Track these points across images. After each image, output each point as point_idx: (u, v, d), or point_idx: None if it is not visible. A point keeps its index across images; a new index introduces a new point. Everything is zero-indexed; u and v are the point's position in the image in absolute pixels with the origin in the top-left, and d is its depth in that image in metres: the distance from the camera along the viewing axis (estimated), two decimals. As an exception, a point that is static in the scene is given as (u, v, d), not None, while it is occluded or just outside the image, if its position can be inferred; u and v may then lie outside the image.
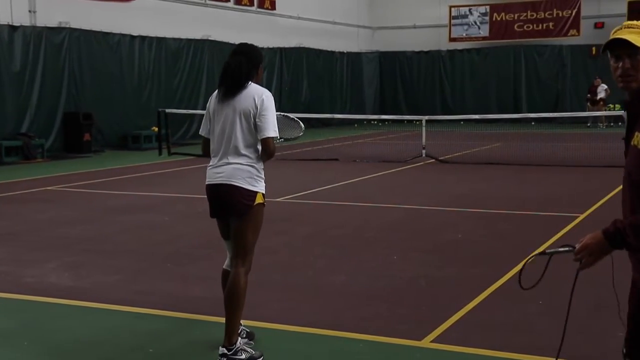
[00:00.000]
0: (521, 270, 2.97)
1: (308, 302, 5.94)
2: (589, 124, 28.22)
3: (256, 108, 4.51)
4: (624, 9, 29.33)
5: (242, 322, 4.97)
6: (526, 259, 2.89)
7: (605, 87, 27.45)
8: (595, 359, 4.57)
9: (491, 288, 6.16)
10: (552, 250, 2.89)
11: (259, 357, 4.56)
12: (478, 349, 4.74)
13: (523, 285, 2.96)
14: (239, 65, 4.55)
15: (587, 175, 13.71)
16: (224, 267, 4.84)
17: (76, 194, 12.31)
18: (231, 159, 4.56)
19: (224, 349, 4.49)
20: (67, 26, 19.26)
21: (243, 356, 4.49)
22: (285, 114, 5.28)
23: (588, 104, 27.81)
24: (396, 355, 4.72)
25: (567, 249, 2.83)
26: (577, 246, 2.75)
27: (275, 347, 4.86)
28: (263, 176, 4.66)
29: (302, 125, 5.22)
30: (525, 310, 5.59)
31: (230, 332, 4.51)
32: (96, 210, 10.52)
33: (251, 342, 4.75)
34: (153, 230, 9.05)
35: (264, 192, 4.65)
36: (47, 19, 18.83)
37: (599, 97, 27.51)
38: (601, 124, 27.89)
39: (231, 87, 4.56)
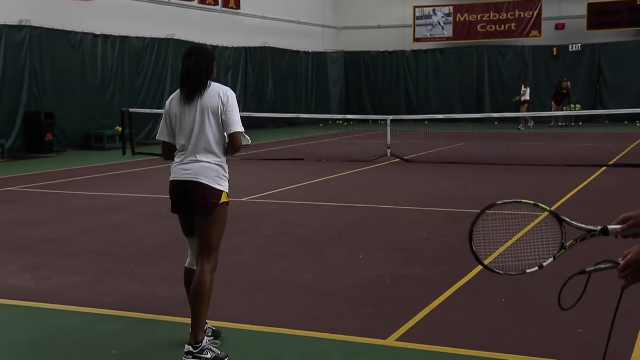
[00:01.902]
0: (561, 290, 2.73)
1: (273, 301, 5.93)
2: (551, 124, 28.58)
3: (223, 105, 4.61)
4: (584, 10, 29.83)
5: (207, 321, 4.97)
6: (566, 280, 2.67)
7: (528, 90, 27.63)
8: (556, 355, 4.64)
9: (455, 286, 6.22)
10: (592, 268, 2.63)
11: (225, 358, 4.55)
12: (443, 347, 4.78)
13: (563, 305, 2.72)
14: (198, 65, 4.63)
15: (549, 175, 13.90)
16: (186, 265, 4.84)
17: (38, 194, 12.15)
18: (200, 157, 4.60)
19: (190, 347, 4.49)
20: (28, 24, 18.97)
21: (209, 355, 4.48)
22: None
23: (553, 103, 28.12)
24: (361, 354, 4.74)
25: (609, 265, 2.58)
26: (621, 262, 2.48)
27: (240, 347, 4.85)
28: (228, 176, 4.71)
29: (249, 138, 5.14)
30: (488, 308, 5.66)
31: (197, 330, 4.51)
32: (59, 211, 10.39)
33: (217, 341, 4.74)
34: (117, 231, 8.96)
35: (228, 192, 4.68)
36: (7, 17, 18.51)
37: (523, 99, 27.55)
38: (522, 126, 27.48)
39: (194, 88, 4.63)
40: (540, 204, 2.74)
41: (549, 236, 2.84)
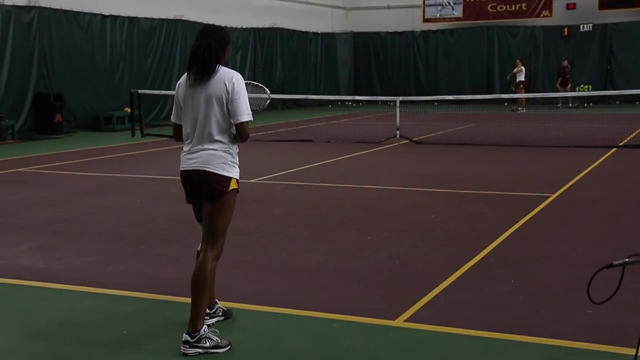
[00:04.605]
0: (589, 284, 2.74)
1: (281, 282, 5.95)
2: (559, 105, 28.39)
3: (228, 92, 4.46)
4: (595, -10, 29.52)
5: (217, 300, 4.98)
6: (593, 274, 2.67)
7: (523, 70, 27.16)
8: (564, 335, 4.63)
9: (464, 268, 6.21)
10: (620, 262, 2.63)
11: (226, 346, 4.46)
12: (451, 327, 4.79)
13: (593, 299, 2.73)
14: (208, 47, 4.46)
15: (558, 156, 13.84)
16: (198, 248, 4.82)
17: (48, 175, 12.19)
18: (206, 145, 4.51)
19: (187, 335, 4.42)
20: (37, 5, 18.93)
21: (207, 344, 4.41)
22: (250, 81, 5.19)
23: (558, 85, 27.94)
24: (370, 335, 4.75)
25: (637, 259, 2.57)
26: None
27: (248, 327, 4.87)
28: (237, 161, 4.63)
29: (268, 91, 5.15)
30: (497, 289, 5.66)
31: (195, 317, 4.45)
32: (68, 192, 10.43)
33: (216, 329, 4.64)
34: (126, 212, 8.99)
35: (238, 178, 4.62)
36: (16, -3, 18.51)
37: (518, 79, 26.98)
38: (521, 108, 26.84)
39: (202, 71, 4.47)
40: None
41: None
